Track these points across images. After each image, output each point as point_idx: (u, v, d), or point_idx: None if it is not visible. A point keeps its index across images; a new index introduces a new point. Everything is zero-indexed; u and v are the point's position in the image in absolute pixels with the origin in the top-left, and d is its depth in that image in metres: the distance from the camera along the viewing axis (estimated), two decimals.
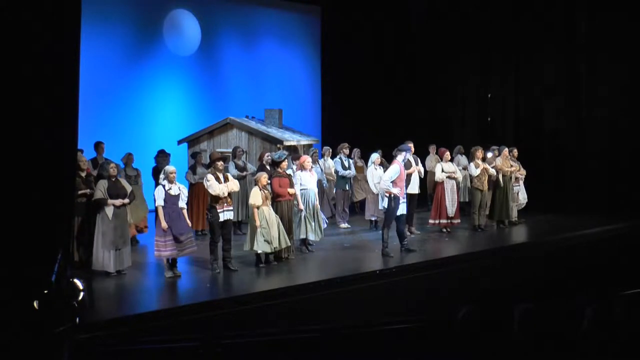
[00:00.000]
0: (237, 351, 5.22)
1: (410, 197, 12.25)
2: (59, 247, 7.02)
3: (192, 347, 5.28)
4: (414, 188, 12.41)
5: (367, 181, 13.30)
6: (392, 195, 10.72)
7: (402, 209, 10.90)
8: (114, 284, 9.36)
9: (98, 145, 12.22)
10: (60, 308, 6.85)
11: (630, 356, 4.13)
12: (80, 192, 9.80)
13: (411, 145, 11.71)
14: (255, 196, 10.01)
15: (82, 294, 7.29)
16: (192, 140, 14.41)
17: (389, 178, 10.75)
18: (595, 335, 4.12)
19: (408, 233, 12.14)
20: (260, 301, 8.72)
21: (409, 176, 12.17)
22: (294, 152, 13.73)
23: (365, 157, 14.21)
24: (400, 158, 11.02)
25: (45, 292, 6.69)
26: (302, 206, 10.89)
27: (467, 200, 14.07)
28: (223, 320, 8.22)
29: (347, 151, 14.02)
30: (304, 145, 14.48)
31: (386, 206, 10.78)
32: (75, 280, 7.32)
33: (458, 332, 4.26)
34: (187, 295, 9.19)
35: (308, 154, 13.25)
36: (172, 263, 9.64)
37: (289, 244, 10.45)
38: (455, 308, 4.47)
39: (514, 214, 13.80)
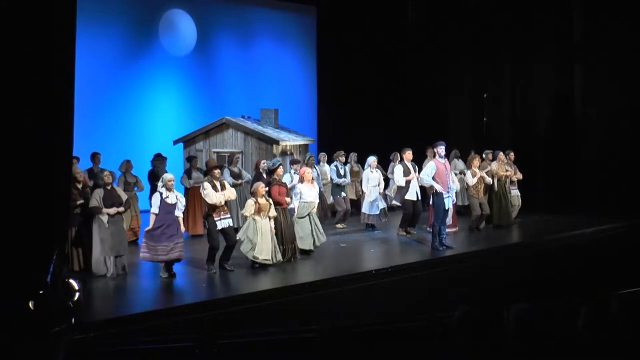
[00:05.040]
0: (233, 351, 5.22)
1: (412, 202, 12.36)
2: (54, 248, 7.01)
3: (188, 347, 5.28)
4: (413, 195, 12.41)
5: (361, 184, 13.37)
6: (435, 191, 11.27)
7: (447, 204, 11.31)
8: (110, 284, 9.35)
9: (94, 156, 12.16)
10: (56, 308, 6.84)
11: (626, 356, 4.13)
12: (77, 203, 9.77)
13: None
14: (248, 207, 10.00)
15: (77, 294, 7.29)
16: (187, 141, 14.38)
17: (426, 175, 11.34)
18: (591, 335, 4.13)
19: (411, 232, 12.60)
20: (256, 301, 8.71)
21: (407, 183, 12.27)
22: (290, 156, 13.70)
23: (361, 160, 14.24)
24: (436, 156, 11.51)
25: (41, 292, 6.68)
26: (295, 216, 10.86)
27: (465, 203, 14.09)
28: (219, 320, 8.21)
29: (342, 159, 14.00)
30: (299, 145, 14.47)
31: (431, 202, 11.44)
32: (71, 281, 7.32)
33: (454, 332, 4.26)
34: (183, 295, 9.19)
35: (304, 159, 13.27)
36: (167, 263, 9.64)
37: (280, 259, 10.28)
38: (451, 308, 4.47)
39: (514, 216, 13.79)
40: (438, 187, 11.18)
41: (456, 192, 12.97)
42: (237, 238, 10.07)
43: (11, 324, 6.38)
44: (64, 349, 5.99)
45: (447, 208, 11.35)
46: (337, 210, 13.76)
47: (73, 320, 7.04)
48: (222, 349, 5.14)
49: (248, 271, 10.02)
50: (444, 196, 11.24)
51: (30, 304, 6.53)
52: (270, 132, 14.20)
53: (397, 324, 5.48)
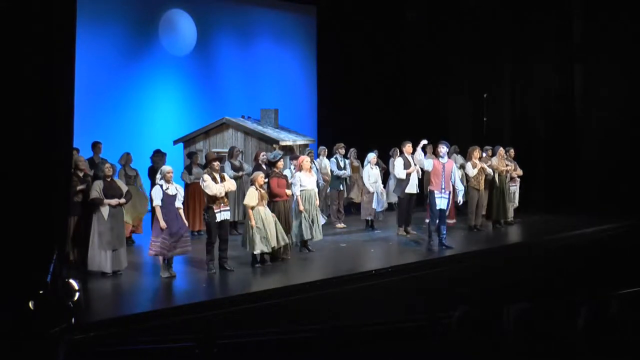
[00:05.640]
0: (233, 351, 5.21)
1: (409, 197, 12.38)
2: (54, 248, 7.01)
3: (188, 347, 5.27)
4: (413, 188, 12.43)
5: (362, 181, 13.35)
6: (428, 191, 11.42)
7: (440, 204, 11.25)
8: (110, 284, 9.35)
9: (95, 145, 12.19)
10: (56, 308, 6.84)
11: (626, 356, 4.13)
12: (78, 188, 9.80)
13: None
14: (250, 196, 10.00)
15: (77, 294, 7.29)
16: (188, 140, 14.39)
17: (424, 163, 11.60)
18: (591, 335, 4.12)
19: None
20: (256, 301, 8.71)
21: (407, 176, 12.28)
22: (290, 152, 13.72)
23: (361, 157, 14.23)
24: (439, 155, 11.52)
25: (41, 292, 6.68)
26: (302, 207, 10.89)
27: (465, 199, 14.06)
28: (219, 320, 8.21)
29: (342, 151, 14.04)
30: (299, 145, 14.48)
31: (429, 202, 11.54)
32: (71, 281, 7.32)
33: (454, 332, 4.26)
34: (183, 295, 9.19)
35: (304, 155, 13.27)
36: (168, 263, 9.63)
37: (287, 242, 10.42)
38: (451, 308, 4.47)
39: (511, 214, 13.81)
40: (427, 166, 11.44)
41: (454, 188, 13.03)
42: (254, 254, 10.08)
43: (11, 324, 6.38)
44: (64, 349, 5.99)
45: (439, 208, 11.30)
46: (332, 207, 13.80)
47: (73, 320, 7.04)
48: (222, 349, 5.14)
49: (248, 271, 10.03)
50: (436, 195, 11.24)
51: (30, 304, 6.53)
52: (270, 132, 14.20)
53: (397, 324, 5.47)
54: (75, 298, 7.27)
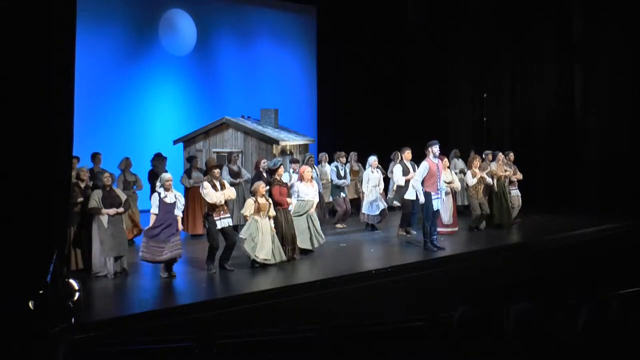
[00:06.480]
0: (233, 351, 5.22)
1: (412, 203, 12.34)
2: (54, 248, 7.00)
3: (188, 347, 5.28)
4: (413, 194, 12.40)
5: (361, 183, 13.36)
6: (423, 192, 11.22)
7: (436, 205, 11.21)
8: (110, 284, 9.36)
9: (95, 156, 12.15)
10: (56, 308, 6.84)
11: (626, 356, 4.13)
12: (77, 201, 9.80)
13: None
14: (247, 207, 10.01)
15: (77, 294, 7.29)
16: (187, 140, 14.38)
17: (419, 177, 11.25)
18: (591, 335, 4.12)
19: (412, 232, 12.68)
20: (256, 301, 8.71)
21: (406, 182, 12.27)
22: (290, 155, 13.70)
23: (361, 160, 14.23)
24: (430, 155, 11.31)
25: (41, 292, 6.68)
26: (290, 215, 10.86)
27: (465, 203, 14.08)
28: (219, 320, 8.21)
29: (343, 160, 13.97)
30: (299, 145, 14.47)
31: (423, 202, 11.26)
32: (71, 281, 7.31)
33: (454, 332, 4.26)
34: (183, 295, 9.19)
35: (304, 159, 13.26)
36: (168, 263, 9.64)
37: (284, 259, 10.28)
38: (451, 308, 4.47)
39: (514, 215, 13.80)
40: (421, 198, 11.19)
41: (456, 192, 13.00)
42: (240, 237, 10.07)
43: (11, 324, 6.38)
44: (64, 349, 5.99)
45: (436, 209, 11.27)
46: (337, 211, 13.76)
47: (73, 320, 7.03)
48: (222, 349, 5.14)
49: (248, 271, 10.02)
50: (433, 197, 11.19)
51: (30, 304, 6.52)
52: (270, 132, 14.20)
53: (397, 324, 5.48)
54: (75, 298, 7.26)
